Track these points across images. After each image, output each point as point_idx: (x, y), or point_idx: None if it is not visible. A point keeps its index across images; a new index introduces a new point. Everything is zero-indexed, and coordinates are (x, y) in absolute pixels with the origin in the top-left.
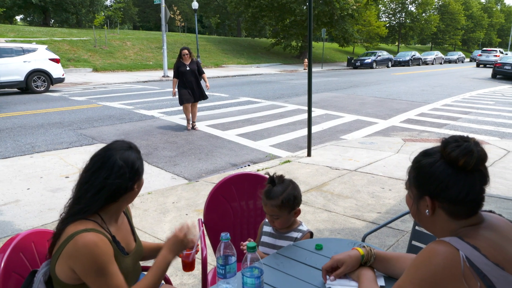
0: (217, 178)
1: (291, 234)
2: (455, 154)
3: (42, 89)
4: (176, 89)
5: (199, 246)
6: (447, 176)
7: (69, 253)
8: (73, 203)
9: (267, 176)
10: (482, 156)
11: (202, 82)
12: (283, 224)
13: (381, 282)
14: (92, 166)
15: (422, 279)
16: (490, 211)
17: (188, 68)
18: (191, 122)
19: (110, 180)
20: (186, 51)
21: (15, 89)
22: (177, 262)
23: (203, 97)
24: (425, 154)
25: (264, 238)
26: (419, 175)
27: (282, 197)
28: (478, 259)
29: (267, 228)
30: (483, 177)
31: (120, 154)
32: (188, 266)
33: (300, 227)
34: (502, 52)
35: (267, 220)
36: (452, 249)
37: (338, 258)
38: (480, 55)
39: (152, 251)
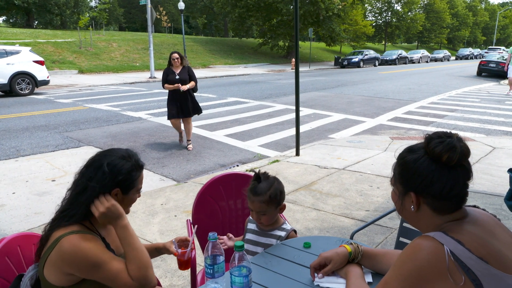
0: (205, 179)
1: (275, 232)
2: (438, 150)
3: (27, 91)
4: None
5: (194, 244)
6: (431, 172)
7: (59, 258)
8: (63, 205)
9: (252, 174)
10: (465, 152)
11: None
12: (269, 220)
13: (369, 278)
14: (83, 166)
15: (407, 274)
16: (474, 206)
17: (177, 77)
18: (183, 137)
19: (92, 182)
20: (176, 55)
21: None
22: (167, 264)
23: (197, 111)
24: (409, 150)
25: (248, 236)
26: (404, 171)
27: (270, 192)
28: (462, 253)
29: (251, 225)
30: (466, 173)
31: (111, 160)
32: (183, 264)
33: (284, 226)
34: (505, 50)
35: (251, 217)
36: (436, 243)
37: (325, 255)
38: (487, 52)
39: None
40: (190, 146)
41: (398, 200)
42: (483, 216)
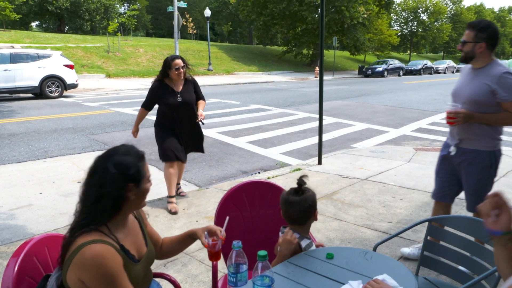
0: (227, 185)
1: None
2: None
3: (56, 94)
4: (142, 127)
5: (224, 235)
6: None
7: (78, 265)
8: (79, 213)
9: (277, 184)
10: None
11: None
12: None
13: None
14: (87, 174)
15: None
16: None
17: (180, 100)
18: (175, 186)
19: (105, 189)
20: (180, 62)
21: (30, 94)
22: (187, 269)
23: (200, 148)
24: None
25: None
26: None
27: None
28: None
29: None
30: None
31: (114, 160)
32: (214, 255)
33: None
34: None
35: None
36: None
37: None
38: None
39: (182, 242)
40: (182, 190)
41: None
42: None
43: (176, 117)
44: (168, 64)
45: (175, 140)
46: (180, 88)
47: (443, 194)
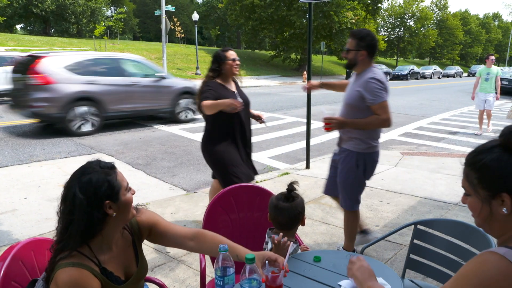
0: None
1: None
2: None
3: None
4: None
5: (286, 265)
6: None
7: (54, 286)
8: (58, 236)
9: (265, 188)
10: None
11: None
12: None
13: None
14: (60, 202)
15: None
16: None
17: (241, 100)
18: None
19: (75, 215)
20: (233, 52)
21: None
22: (175, 273)
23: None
24: (481, 152)
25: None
26: (487, 174)
27: None
28: None
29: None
30: None
31: (80, 184)
32: None
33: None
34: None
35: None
36: (507, 262)
37: None
38: None
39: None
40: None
41: (483, 208)
42: None
43: (240, 121)
44: (221, 56)
45: (239, 158)
46: (234, 88)
47: (328, 188)
